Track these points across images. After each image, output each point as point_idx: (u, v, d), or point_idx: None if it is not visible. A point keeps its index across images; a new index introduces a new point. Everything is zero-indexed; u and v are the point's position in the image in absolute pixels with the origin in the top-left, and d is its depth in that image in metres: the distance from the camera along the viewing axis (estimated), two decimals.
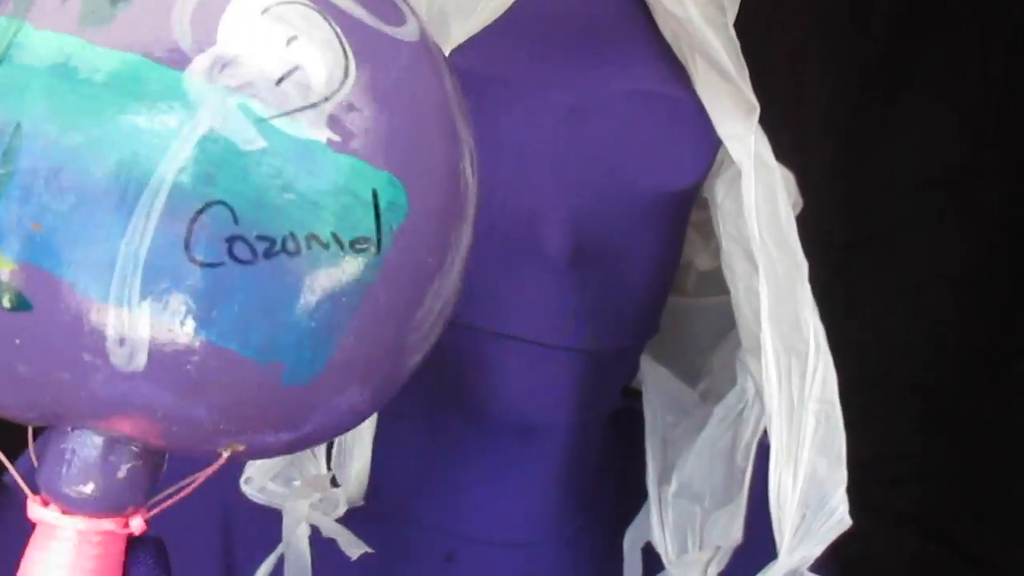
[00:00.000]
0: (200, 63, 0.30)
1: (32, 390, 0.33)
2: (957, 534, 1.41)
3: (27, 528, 0.59)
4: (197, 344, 0.31)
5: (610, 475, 0.65)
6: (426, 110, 0.34)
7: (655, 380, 0.65)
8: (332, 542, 0.56)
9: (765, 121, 1.54)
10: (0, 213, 0.30)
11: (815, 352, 0.54)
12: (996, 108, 1.37)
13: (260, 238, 0.30)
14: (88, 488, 0.34)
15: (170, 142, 0.30)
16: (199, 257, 0.30)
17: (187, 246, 0.30)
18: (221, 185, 0.30)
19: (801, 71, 1.38)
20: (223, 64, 0.30)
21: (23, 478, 0.37)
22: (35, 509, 0.35)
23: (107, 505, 0.34)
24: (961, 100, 1.37)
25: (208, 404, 0.33)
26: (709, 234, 0.60)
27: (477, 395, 0.56)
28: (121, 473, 0.34)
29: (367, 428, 0.55)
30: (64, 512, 0.35)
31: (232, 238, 0.30)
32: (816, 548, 0.53)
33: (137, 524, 0.35)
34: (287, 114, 0.30)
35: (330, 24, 0.32)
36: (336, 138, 0.31)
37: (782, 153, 1.63)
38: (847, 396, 1.67)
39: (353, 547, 0.55)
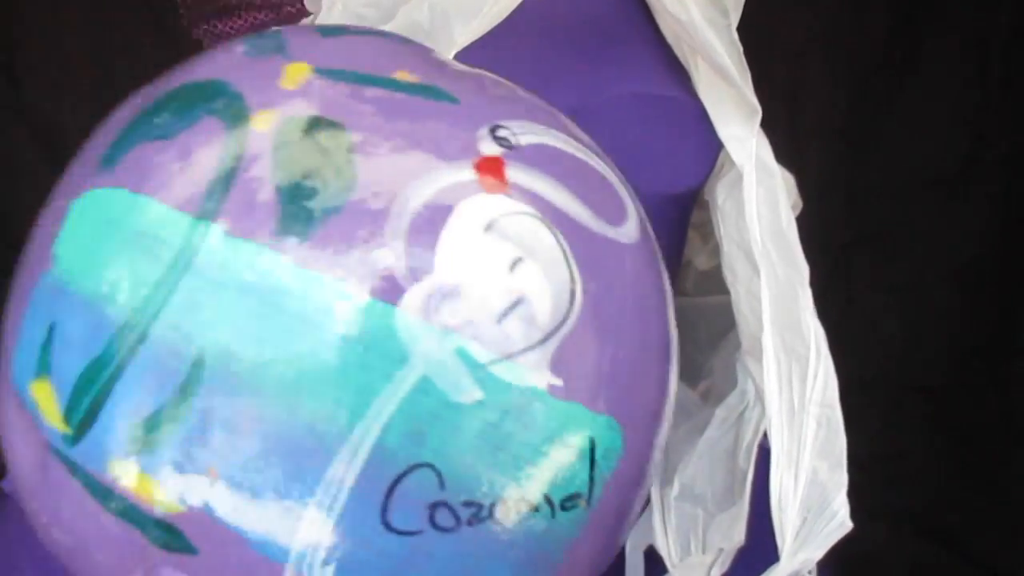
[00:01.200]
0: (416, 297, 0.25)
1: None
2: (957, 534, 1.41)
3: (26, 532, 0.60)
4: None
5: None
6: (648, 332, 0.29)
7: None
8: None
9: (764, 121, 1.55)
10: (171, 452, 0.26)
11: (816, 356, 0.55)
12: (996, 108, 1.37)
13: (467, 504, 0.26)
14: None
15: (377, 392, 0.25)
16: (396, 525, 0.26)
17: (384, 512, 0.26)
18: (429, 445, 0.25)
19: (801, 71, 1.38)
20: (441, 297, 0.26)
21: None
22: None
23: None
24: (961, 100, 1.37)
25: None
26: (708, 234, 0.60)
27: None
28: None
29: None
30: None
31: (435, 504, 0.26)
32: (818, 551, 0.54)
33: None
34: (509, 358, 0.26)
35: (556, 239, 0.27)
36: (558, 383, 0.26)
37: (781, 153, 1.63)
38: (846, 396, 1.68)
39: None
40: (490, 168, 0.27)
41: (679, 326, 0.66)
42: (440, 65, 0.35)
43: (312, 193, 0.27)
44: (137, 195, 0.30)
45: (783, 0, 1.35)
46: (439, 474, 0.25)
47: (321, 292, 0.26)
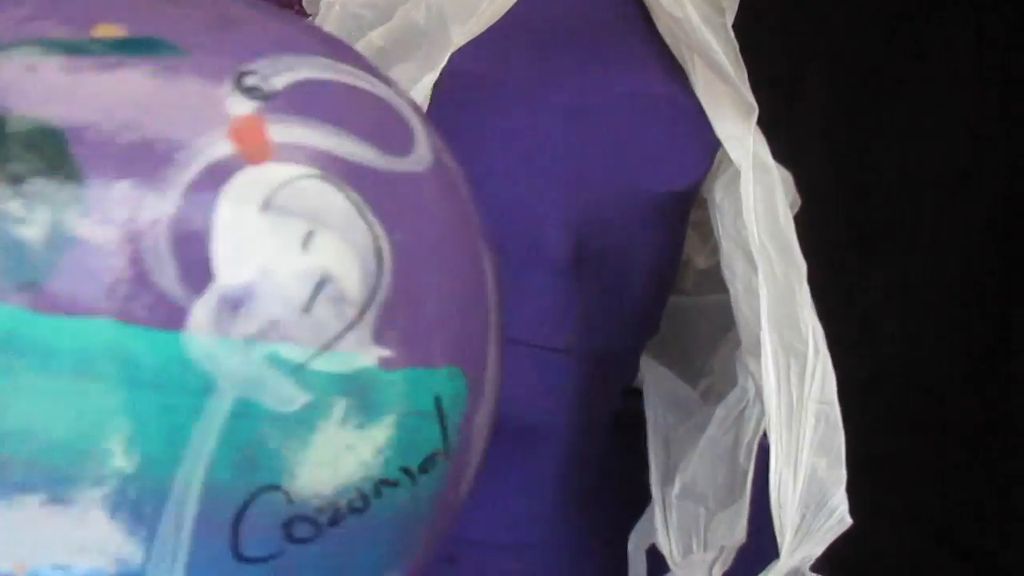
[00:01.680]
0: (203, 314, 0.22)
1: None
2: (957, 534, 1.41)
3: None
4: None
5: (613, 476, 0.65)
6: (468, 268, 0.27)
7: (656, 380, 0.66)
8: None
9: (764, 121, 1.55)
10: None
11: (814, 353, 0.55)
12: (996, 108, 1.37)
13: (320, 509, 0.24)
14: None
15: (186, 434, 0.21)
16: (252, 554, 0.23)
17: (234, 548, 0.23)
18: (266, 467, 0.23)
19: (801, 71, 1.38)
20: (233, 305, 0.22)
21: None
22: None
23: None
24: (961, 100, 1.37)
25: None
26: (707, 233, 0.60)
27: None
28: None
29: None
30: None
31: (289, 520, 0.24)
32: (817, 548, 0.54)
33: None
34: (328, 348, 0.23)
35: (346, 195, 0.24)
36: (387, 353, 0.24)
37: (781, 153, 1.63)
38: (847, 396, 1.68)
39: None
40: (248, 132, 0.23)
41: (679, 325, 0.66)
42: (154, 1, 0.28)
43: (32, 226, 0.22)
44: None
45: (783, 0, 1.35)
46: (284, 491, 0.23)
47: (83, 339, 0.21)
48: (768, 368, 0.54)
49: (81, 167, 0.23)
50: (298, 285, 0.23)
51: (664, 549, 0.59)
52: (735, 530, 0.57)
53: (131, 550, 0.22)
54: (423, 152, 0.28)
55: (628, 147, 0.55)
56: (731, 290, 0.57)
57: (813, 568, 0.67)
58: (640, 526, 0.62)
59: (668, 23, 0.56)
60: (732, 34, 0.55)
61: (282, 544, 0.24)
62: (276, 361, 0.22)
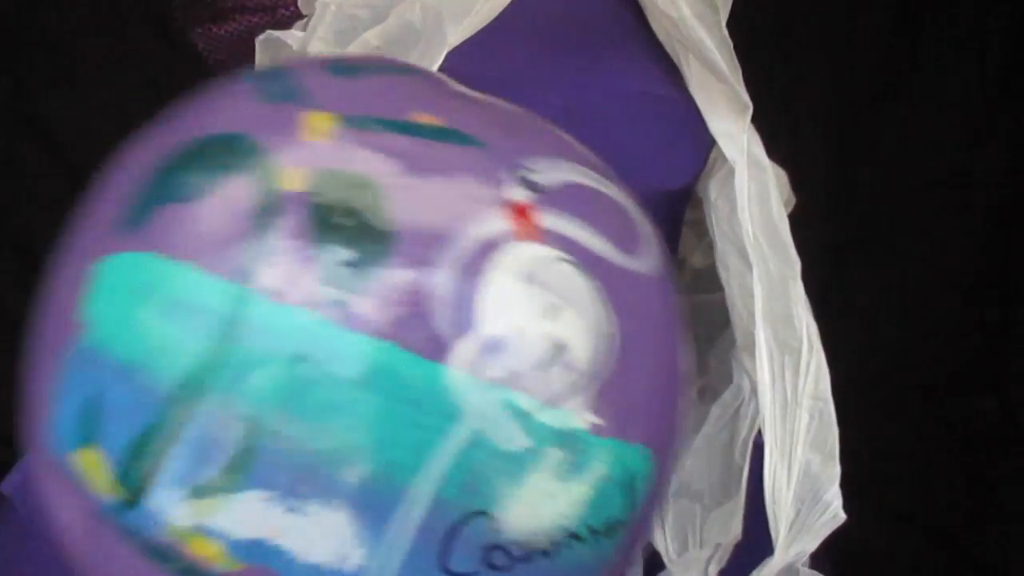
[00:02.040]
0: (463, 353, 0.26)
1: None
2: (957, 534, 1.41)
3: (25, 534, 0.60)
4: None
5: None
6: (673, 360, 0.31)
7: None
8: None
9: (764, 121, 1.55)
10: (230, 518, 0.27)
11: (808, 349, 0.55)
12: (996, 108, 1.37)
13: (517, 543, 0.27)
14: None
15: (430, 450, 0.26)
16: (454, 568, 0.27)
17: (441, 558, 0.27)
18: (483, 494, 0.26)
19: (801, 71, 1.38)
20: (487, 351, 0.26)
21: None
22: None
23: None
24: (961, 100, 1.37)
25: None
26: (703, 232, 0.60)
27: None
28: None
29: None
30: None
31: (490, 547, 0.27)
32: (812, 543, 0.54)
33: None
34: (553, 405, 0.26)
35: (591, 282, 0.28)
36: (599, 422, 0.27)
37: (781, 152, 1.63)
38: (847, 396, 1.67)
39: None
40: (521, 216, 0.27)
41: None
42: (457, 99, 0.35)
43: (351, 255, 0.27)
44: (170, 260, 0.30)
45: (783, 0, 1.35)
46: (494, 519, 0.26)
47: (368, 354, 0.26)
48: (763, 364, 0.54)
49: (392, 218, 0.28)
50: (540, 347, 0.27)
51: (660, 547, 0.59)
52: (730, 527, 0.57)
53: (357, 547, 0.26)
54: (649, 251, 0.32)
55: (623, 146, 0.55)
56: (726, 287, 0.57)
57: (811, 566, 0.67)
58: None
59: (663, 23, 0.56)
60: (726, 32, 0.55)
61: (479, 567, 0.27)
62: (511, 405, 0.26)
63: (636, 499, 0.29)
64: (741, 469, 0.55)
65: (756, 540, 0.54)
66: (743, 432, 0.56)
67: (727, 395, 0.58)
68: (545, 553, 0.27)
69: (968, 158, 1.38)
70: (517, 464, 0.26)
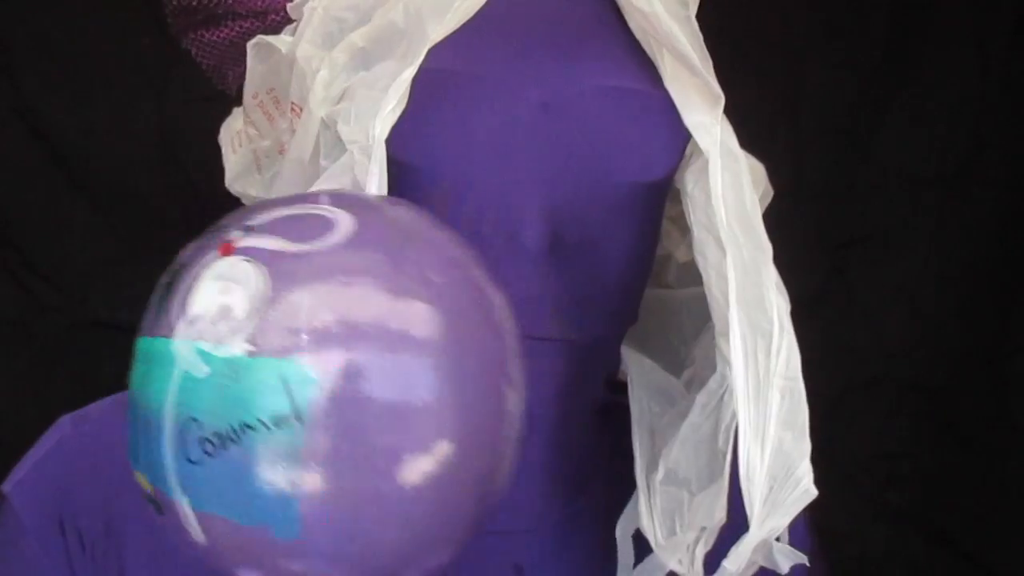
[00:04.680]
0: (181, 329, 0.42)
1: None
2: (957, 534, 1.41)
3: (21, 533, 0.60)
4: (217, 518, 0.42)
5: (601, 467, 0.66)
6: (336, 298, 0.43)
7: (640, 372, 0.67)
8: None
9: (765, 121, 1.54)
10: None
11: (779, 331, 0.57)
12: (995, 108, 1.37)
13: (216, 435, 0.41)
14: None
15: (167, 387, 0.42)
16: (192, 458, 0.41)
17: (183, 452, 0.41)
18: (192, 406, 0.41)
19: (801, 71, 1.39)
20: (189, 322, 0.42)
21: None
22: None
23: None
24: (960, 100, 1.37)
25: (255, 562, 0.43)
26: (686, 227, 0.63)
27: None
28: None
29: None
30: None
31: (203, 440, 0.41)
32: (784, 518, 0.55)
33: None
34: (220, 343, 0.41)
35: (254, 265, 0.42)
36: (251, 348, 0.41)
37: (781, 153, 1.62)
38: (847, 396, 1.67)
39: None
40: (228, 245, 0.43)
41: (662, 318, 0.68)
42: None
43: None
44: None
45: (783, 0, 1.35)
46: (199, 422, 0.41)
47: (150, 346, 0.44)
48: (736, 347, 0.56)
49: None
50: (215, 311, 0.42)
51: (648, 533, 0.60)
52: (715, 510, 0.58)
53: (160, 446, 0.44)
54: (336, 236, 0.44)
55: (602, 139, 0.57)
56: (704, 275, 0.59)
57: (809, 566, 0.68)
58: (627, 513, 0.64)
59: (637, 18, 0.58)
60: (696, 26, 0.59)
61: (201, 455, 0.41)
62: (198, 350, 0.41)
63: (295, 397, 0.40)
64: (725, 454, 0.57)
65: (743, 524, 0.55)
66: (726, 419, 0.58)
67: (711, 384, 0.60)
68: (234, 440, 0.40)
69: (969, 158, 1.39)
70: (205, 382, 0.41)
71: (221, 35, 0.65)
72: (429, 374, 0.42)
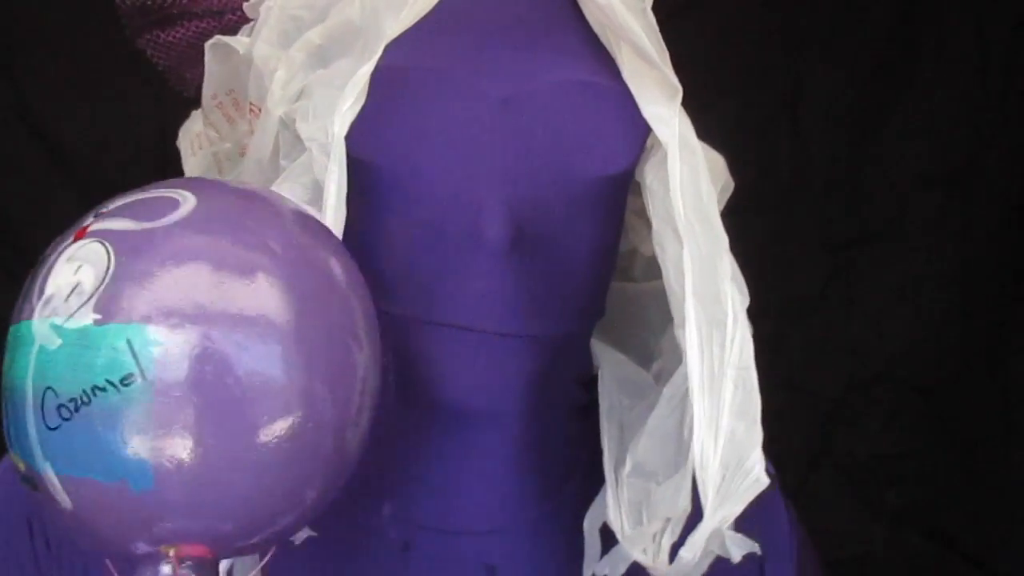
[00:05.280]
0: (38, 310, 0.45)
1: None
2: (957, 534, 1.41)
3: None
4: (77, 479, 0.45)
5: (578, 467, 0.66)
6: (180, 260, 0.46)
7: (610, 365, 0.67)
8: (288, 541, 0.58)
9: (765, 120, 1.53)
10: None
11: (733, 322, 0.57)
12: (996, 108, 1.37)
13: (71, 400, 0.44)
14: None
15: (28, 363, 0.45)
16: (51, 425, 0.44)
17: (43, 421, 0.44)
18: (47, 376, 0.44)
19: (801, 71, 1.39)
20: (44, 303, 0.45)
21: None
22: None
23: None
24: (961, 100, 1.37)
25: (116, 519, 0.46)
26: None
27: (426, 385, 0.58)
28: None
29: None
30: None
31: (59, 407, 0.44)
32: (736, 507, 0.55)
33: None
34: (71, 316, 0.44)
35: (102, 244, 0.45)
36: (99, 316, 0.44)
37: (781, 152, 1.62)
38: (847, 396, 1.67)
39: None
40: (81, 230, 0.46)
41: (630, 311, 0.68)
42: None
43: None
44: None
45: (784, 0, 1.35)
46: (55, 390, 0.44)
47: (16, 329, 0.47)
48: (692, 338, 0.57)
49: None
50: (66, 289, 0.45)
51: (615, 525, 0.60)
52: (678, 500, 0.58)
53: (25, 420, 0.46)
54: (178, 213, 0.47)
55: (562, 134, 0.57)
56: (663, 268, 0.59)
57: (806, 566, 0.68)
58: (595, 505, 0.64)
59: (595, 12, 0.58)
60: (652, 17, 0.58)
61: (60, 421, 0.44)
62: (51, 325, 0.44)
63: (140, 357, 0.43)
64: (689, 445, 0.56)
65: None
66: (691, 410, 0.57)
67: (677, 376, 0.60)
68: (86, 402, 0.43)
69: (969, 158, 1.39)
70: (58, 353, 0.44)
71: (177, 35, 0.64)
72: (270, 337, 0.46)
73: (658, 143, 0.58)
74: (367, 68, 0.54)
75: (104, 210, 0.47)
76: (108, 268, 0.44)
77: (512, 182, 0.56)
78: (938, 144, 1.39)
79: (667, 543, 0.58)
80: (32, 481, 0.46)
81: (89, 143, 1.27)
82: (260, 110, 0.59)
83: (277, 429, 0.45)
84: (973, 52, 1.38)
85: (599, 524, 0.63)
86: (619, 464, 0.62)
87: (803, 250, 1.41)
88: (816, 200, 1.41)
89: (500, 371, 0.56)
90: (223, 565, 0.54)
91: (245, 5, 0.61)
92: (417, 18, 0.56)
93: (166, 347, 0.44)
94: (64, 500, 0.45)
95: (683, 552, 0.55)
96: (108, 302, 0.44)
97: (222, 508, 0.46)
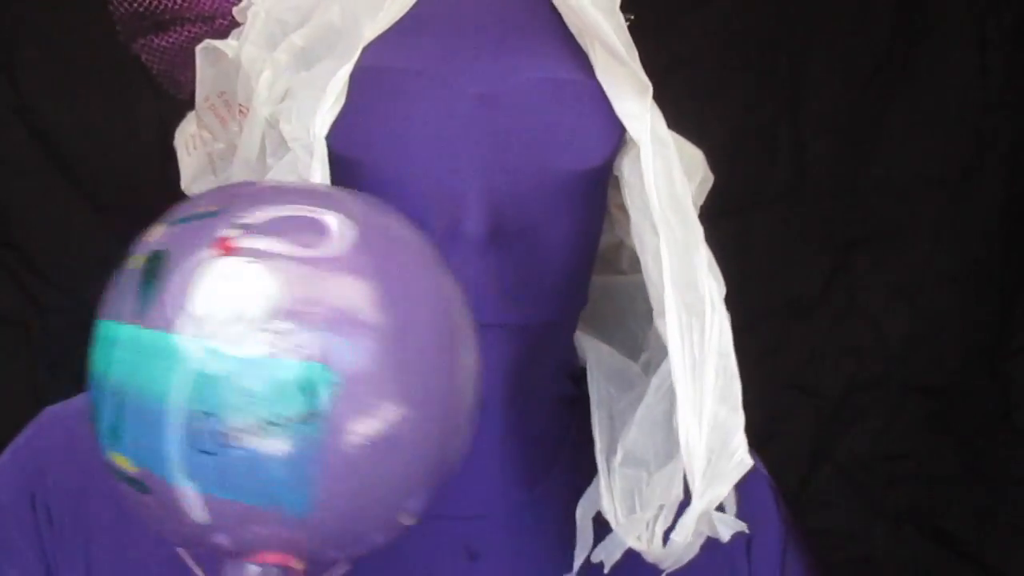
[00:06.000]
0: (183, 326, 0.44)
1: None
2: (957, 534, 1.41)
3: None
4: (225, 501, 0.44)
5: (563, 456, 0.67)
6: (351, 297, 0.46)
7: (598, 357, 0.69)
8: None
9: (765, 120, 1.53)
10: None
11: (711, 310, 0.59)
12: (996, 108, 1.37)
13: (237, 429, 0.43)
14: None
15: (172, 380, 0.44)
16: (206, 449, 0.43)
17: (195, 442, 0.43)
18: (207, 402, 0.43)
19: (802, 71, 1.39)
20: (196, 322, 0.44)
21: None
22: None
23: None
24: (961, 100, 1.37)
25: (254, 534, 0.46)
26: None
27: None
28: None
29: None
30: None
31: (217, 432, 0.43)
32: (723, 489, 0.57)
33: None
34: (236, 344, 0.43)
35: (267, 266, 0.44)
36: (273, 349, 0.43)
37: (781, 152, 1.61)
38: (848, 396, 1.67)
39: None
40: (224, 242, 0.45)
41: (618, 303, 0.71)
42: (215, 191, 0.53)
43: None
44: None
45: (785, 0, 1.35)
46: (216, 416, 0.43)
47: (148, 336, 0.45)
48: (672, 327, 0.58)
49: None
50: (228, 312, 0.44)
51: (608, 514, 0.62)
52: (672, 488, 0.60)
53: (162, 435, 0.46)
54: (333, 241, 0.46)
55: (539, 129, 0.59)
56: (641, 259, 0.61)
57: (804, 565, 0.68)
58: (587, 495, 0.65)
59: (567, 12, 0.60)
60: (621, 17, 0.61)
61: (216, 447, 0.43)
62: (210, 350, 0.43)
63: (317, 397, 0.43)
64: (679, 433, 0.59)
65: None
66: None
67: (664, 366, 0.62)
68: (256, 435, 0.43)
69: (970, 158, 1.39)
70: (221, 380, 0.43)
71: (170, 40, 0.66)
72: (415, 400, 0.46)
73: (635, 139, 0.60)
74: (346, 70, 0.56)
75: (246, 221, 0.46)
76: (281, 295, 0.43)
77: (490, 176, 0.58)
78: (938, 144, 1.39)
79: (660, 529, 0.59)
80: (144, 486, 0.46)
81: (89, 143, 1.28)
82: (248, 111, 0.60)
83: (402, 451, 0.46)
84: (973, 52, 1.38)
85: (592, 513, 0.64)
86: (610, 454, 0.63)
87: (803, 250, 1.41)
88: (816, 200, 1.41)
89: (481, 359, 0.58)
90: None
91: (235, 10, 0.64)
92: (394, 20, 0.58)
93: (345, 387, 0.44)
94: (201, 515, 0.45)
95: (674, 535, 0.57)
96: (279, 335, 0.43)
97: (352, 537, 0.48)
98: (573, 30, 0.60)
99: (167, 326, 0.44)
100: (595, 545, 0.63)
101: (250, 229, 0.45)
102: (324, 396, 0.43)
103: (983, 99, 1.38)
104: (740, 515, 0.58)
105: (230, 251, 0.44)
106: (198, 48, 0.62)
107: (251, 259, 0.44)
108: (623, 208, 0.64)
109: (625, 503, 0.61)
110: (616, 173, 0.63)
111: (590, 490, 0.64)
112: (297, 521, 0.45)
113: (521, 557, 0.66)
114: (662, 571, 0.60)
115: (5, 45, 1.27)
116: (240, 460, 0.43)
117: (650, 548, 0.59)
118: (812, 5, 1.38)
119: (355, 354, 0.44)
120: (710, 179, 0.67)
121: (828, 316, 1.42)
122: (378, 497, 0.46)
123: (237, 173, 0.62)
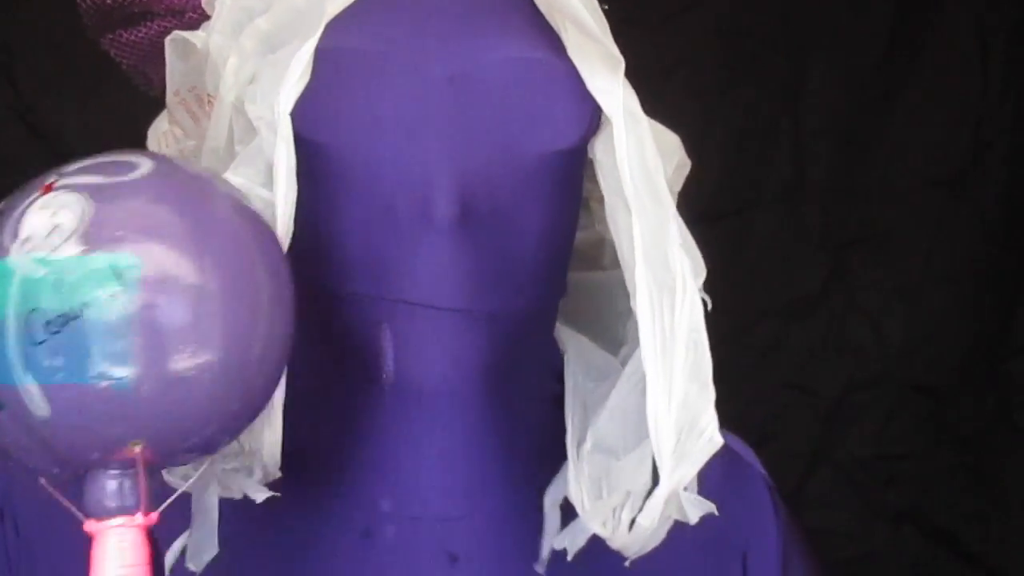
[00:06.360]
0: (14, 249, 0.49)
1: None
2: (957, 534, 1.41)
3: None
4: (60, 386, 0.49)
5: (547, 456, 0.66)
6: (152, 210, 0.52)
7: (578, 350, 0.68)
8: (248, 527, 0.60)
9: (765, 120, 1.53)
10: None
11: (682, 286, 0.58)
12: (996, 108, 1.37)
13: (59, 315, 0.48)
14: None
15: (7, 292, 0.49)
16: (38, 340, 0.48)
17: (29, 337, 0.48)
18: (32, 300, 0.48)
19: (802, 71, 1.39)
20: (22, 242, 0.49)
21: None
22: (90, 524, 0.52)
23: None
24: (961, 100, 1.37)
25: (92, 419, 0.50)
26: None
27: (382, 364, 0.59)
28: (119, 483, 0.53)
29: (277, 398, 0.57)
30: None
31: (47, 323, 0.48)
32: (691, 468, 0.56)
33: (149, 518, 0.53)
34: (54, 250, 0.49)
35: (78, 193, 0.50)
36: (84, 247, 0.49)
37: (781, 152, 1.61)
38: (848, 396, 1.66)
39: (258, 492, 0.58)
40: (47, 186, 0.51)
41: (599, 298, 0.69)
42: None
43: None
44: None
45: (785, 0, 1.35)
46: (42, 310, 0.48)
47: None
48: (643, 303, 0.58)
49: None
50: (46, 229, 0.49)
51: (575, 500, 0.61)
52: (639, 474, 0.59)
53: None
54: (140, 172, 0.52)
55: (510, 110, 0.58)
56: (616, 241, 0.60)
57: (802, 564, 0.68)
58: (555, 482, 0.64)
59: None
60: None
61: (47, 335, 0.48)
62: (34, 258, 0.48)
63: (124, 276, 0.48)
64: (647, 412, 0.57)
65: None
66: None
67: (638, 355, 0.61)
68: (76, 316, 0.48)
69: (969, 158, 1.39)
70: (44, 280, 0.48)
71: (140, 35, 0.65)
72: (212, 284, 0.51)
73: (608, 120, 0.59)
74: (309, 45, 0.56)
75: (63, 171, 0.53)
76: (87, 210, 0.50)
77: (461, 159, 0.57)
78: (938, 145, 1.39)
79: (627, 516, 0.59)
80: (0, 402, 0.51)
81: (89, 143, 1.27)
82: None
83: (215, 346, 0.52)
84: (973, 52, 1.38)
85: (560, 500, 0.63)
86: (581, 442, 0.62)
87: (803, 250, 1.41)
88: (816, 200, 1.41)
89: (454, 348, 0.57)
90: (176, 543, 0.60)
91: (204, 2, 0.62)
92: None
93: (146, 268, 0.49)
94: (42, 408, 0.50)
95: (640, 519, 0.56)
96: (91, 236, 0.49)
97: (177, 413, 0.52)
98: (543, 8, 0.59)
99: (4, 253, 0.50)
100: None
101: (67, 174, 0.52)
102: (130, 276, 0.49)
103: (983, 99, 1.38)
104: (736, 519, 0.57)
105: (50, 189, 0.51)
106: (167, 39, 0.62)
107: (66, 191, 0.51)
108: (602, 202, 0.64)
109: (592, 490, 0.60)
110: (590, 156, 0.62)
111: (558, 477, 0.63)
112: (125, 396, 0.50)
113: (501, 560, 0.64)
114: (627, 559, 0.59)
115: (5, 45, 1.27)
116: (66, 342, 0.48)
117: (615, 535, 0.58)
118: (812, 5, 1.38)
119: (155, 243, 0.50)
120: (687, 164, 0.66)
121: (827, 316, 1.42)
122: (194, 376, 0.51)
123: (206, 162, 0.60)
